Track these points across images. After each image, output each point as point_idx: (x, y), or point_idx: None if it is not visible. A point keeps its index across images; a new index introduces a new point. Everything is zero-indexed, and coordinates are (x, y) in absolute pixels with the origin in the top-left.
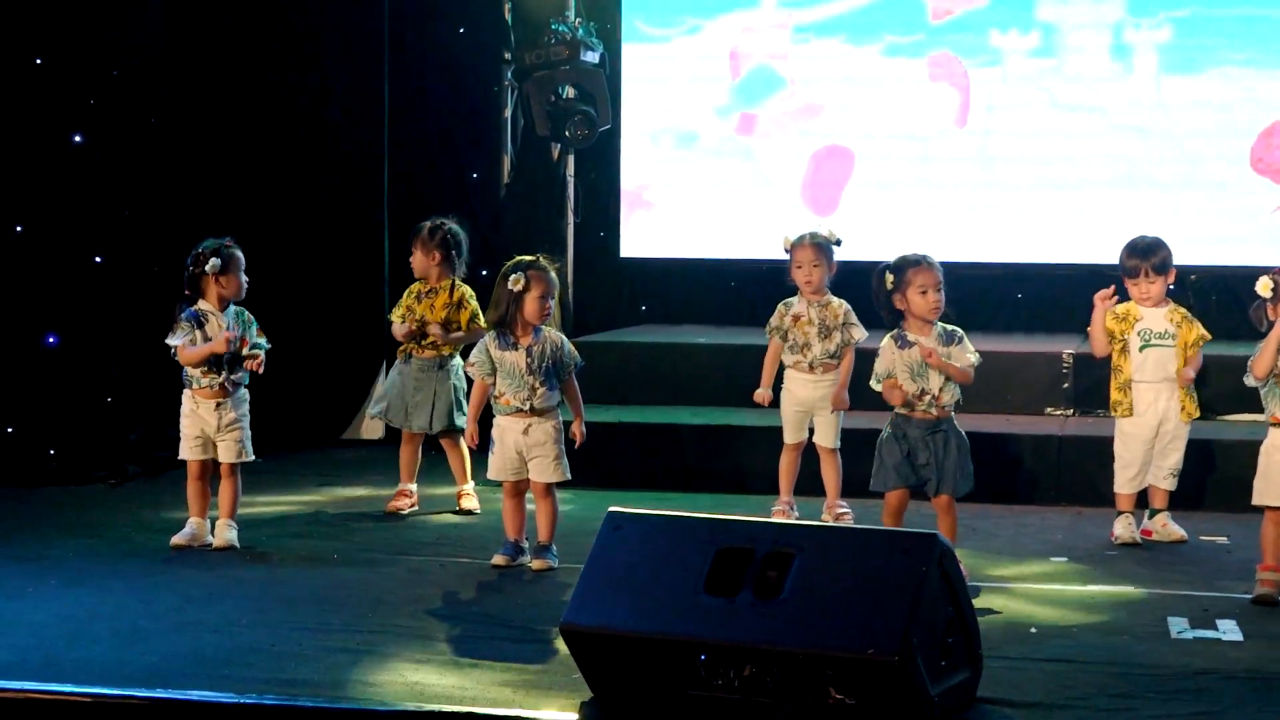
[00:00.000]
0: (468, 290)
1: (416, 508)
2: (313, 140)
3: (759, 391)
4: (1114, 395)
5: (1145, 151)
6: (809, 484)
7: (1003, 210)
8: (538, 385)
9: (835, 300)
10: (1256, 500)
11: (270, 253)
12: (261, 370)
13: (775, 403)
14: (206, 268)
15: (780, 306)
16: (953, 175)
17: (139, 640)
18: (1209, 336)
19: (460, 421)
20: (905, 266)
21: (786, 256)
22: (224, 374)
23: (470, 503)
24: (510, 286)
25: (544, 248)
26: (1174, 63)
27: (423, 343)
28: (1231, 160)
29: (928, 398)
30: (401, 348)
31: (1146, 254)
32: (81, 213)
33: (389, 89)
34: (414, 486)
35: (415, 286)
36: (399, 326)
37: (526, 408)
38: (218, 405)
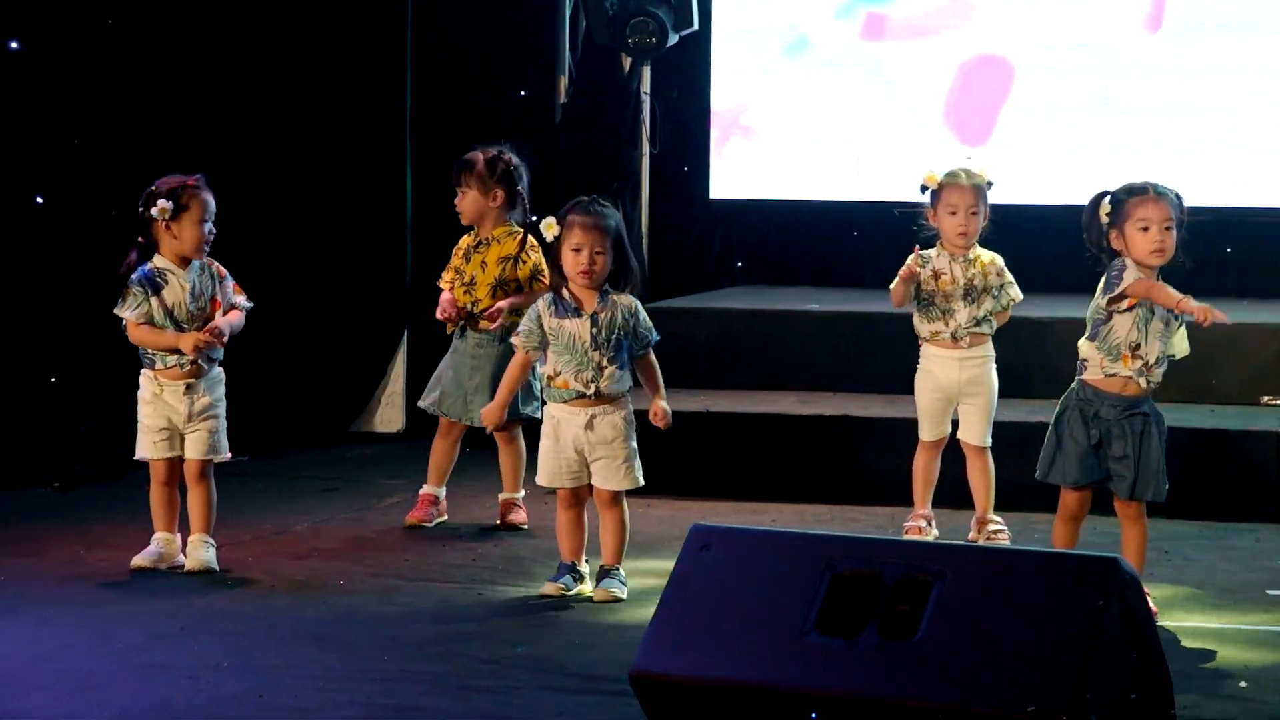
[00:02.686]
0: (530, 240)
1: (445, 519)
2: (310, 50)
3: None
4: None
5: None
6: (952, 493)
7: (1208, 140)
8: (605, 363)
9: (985, 254)
10: None
11: (256, 197)
12: (223, 339)
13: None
14: (154, 211)
15: (913, 258)
16: (1142, 95)
17: (93, 688)
18: None
19: (533, 409)
20: (1126, 197)
21: (926, 199)
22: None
23: (519, 516)
24: (542, 232)
25: (612, 187)
26: None
27: (476, 312)
28: None
29: (1139, 364)
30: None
31: None
32: (17, 141)
33: None
34: (443, 493)
35: (464, 241)
36: (444, 300)
37: (590, 392)
38: (187, 389)
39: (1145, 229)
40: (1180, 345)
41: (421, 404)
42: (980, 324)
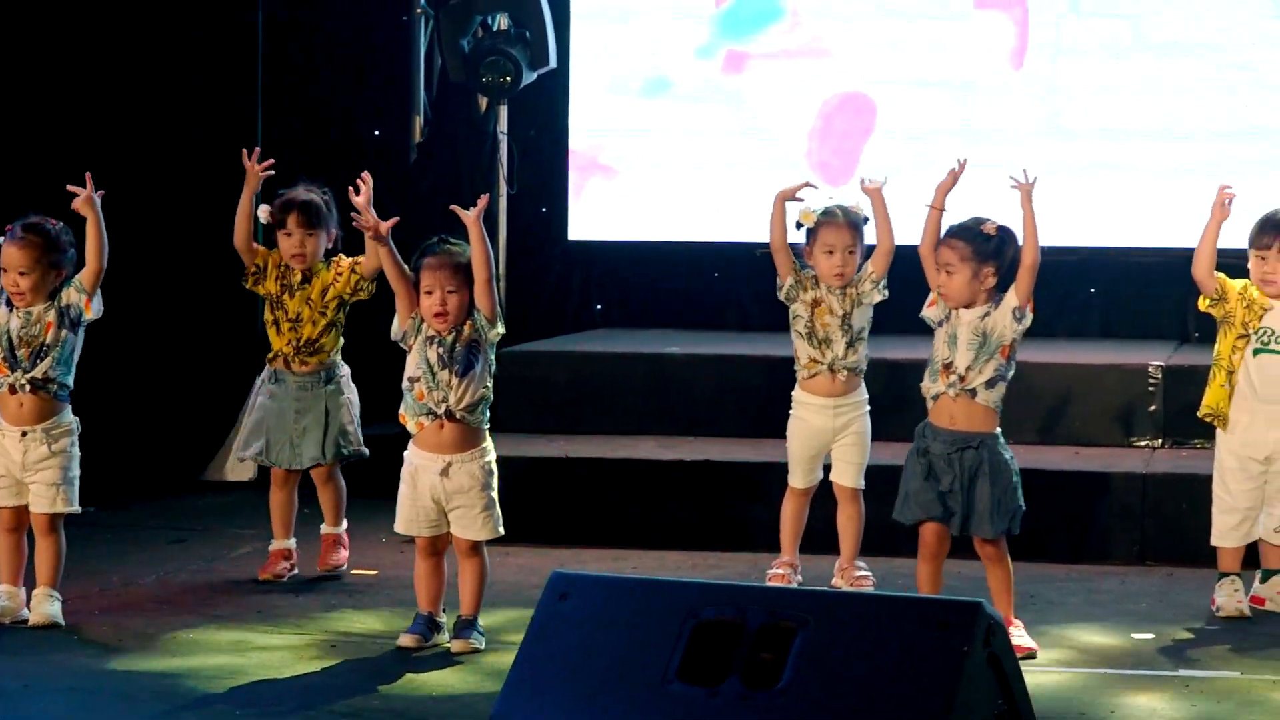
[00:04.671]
0: (337, 257)
1: (297, 571)
2: (159, 89)
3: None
4: (1210, 397)
5: (1255, 101)
6: (818, 537)
7: (1071, 180)
8: (454, 379)
9: (854, 277)
10: None
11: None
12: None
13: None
14: None
15: (804, 274)
16: (1006, 133)
17: None
18: None
19: (360, 446)
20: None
21: (801, 237)
22: (17, 372)
23: (338, 557)
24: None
25: (464, 228)
26: None
27: (300, 352)
28: None
29: (954, 378)
30: (270, 355)
31: None
32: None
33: (262, 20)
34: (293, 544)
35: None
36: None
37: (441, 411)
38: (23, 435)
39: (830, 253)
40: None
41: (242, 455)
42: (856, 353)
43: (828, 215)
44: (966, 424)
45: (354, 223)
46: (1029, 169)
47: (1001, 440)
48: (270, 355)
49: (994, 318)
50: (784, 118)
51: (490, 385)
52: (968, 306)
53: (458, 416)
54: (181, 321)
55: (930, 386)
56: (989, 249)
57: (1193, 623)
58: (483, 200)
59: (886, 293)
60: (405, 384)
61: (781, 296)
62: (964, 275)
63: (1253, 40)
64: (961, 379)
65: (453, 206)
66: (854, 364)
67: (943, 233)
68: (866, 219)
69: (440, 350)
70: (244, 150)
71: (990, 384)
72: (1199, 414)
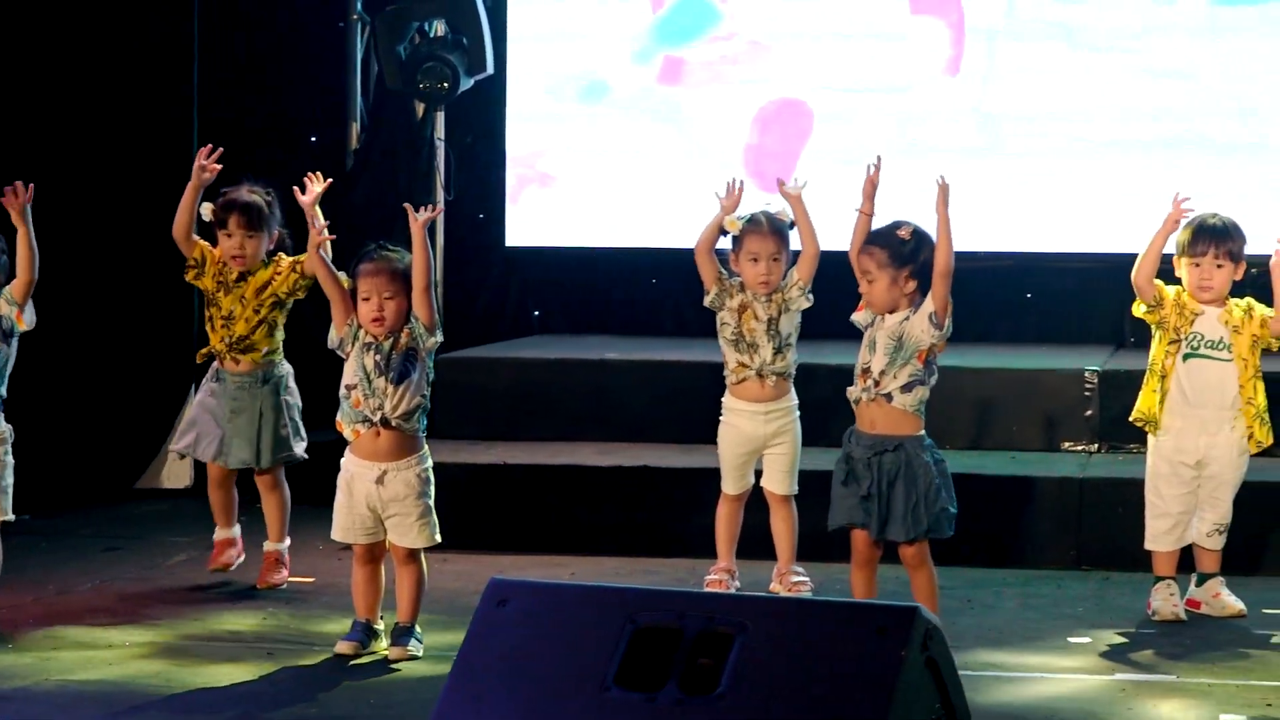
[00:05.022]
0: (277, 256)
1: (244, 559)
2: (91, 92)
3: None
4: (1142, 402)
5: (1193, 105)
6: (756, 544)
7: (1007, 184)
8: (389, 387)
9: (780, 284)
10: None
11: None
12: None
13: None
14: None
15: (729, 282)
16: (941, 139)
17: None
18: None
19: (299, 450)
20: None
21: (729, 244)
22: None
23: (279, 576)
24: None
25: (403, 234)
26: None
27: (235, 351)
28: None
29: (870, 382)
30: (205, 351)
31: (1220, 235)
32: None
33: (198, 25)
34: (238, 531)
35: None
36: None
37: (377, 419)
38: None
39: (755, 260)
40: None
41: (175, 448)
42: (785, 357)
43: (752, 223)
44: (886, 428)
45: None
46: (946, 176)
47: (926, 443)
48: (203, 351)
49: (911, 322)
50: (721, 124)
51: (427, 394)
52: (891, 312)
53: (394, 424)
54: (116, 328)
55: (851, 391)
56: (905, 253)
57: (1129, 626)
58: (436, 209)
59: (812, 299)
60: (342, 391)
61: (708, 304)
62: (883, 282)
63: (1189, 48)
64: (876, 383)
65: (406, 205)
66: (782, 369)
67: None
68: (793, 224)
69: (377, 358)
70: (208, 146)
71: (906, 388)
72: (1131, 419)
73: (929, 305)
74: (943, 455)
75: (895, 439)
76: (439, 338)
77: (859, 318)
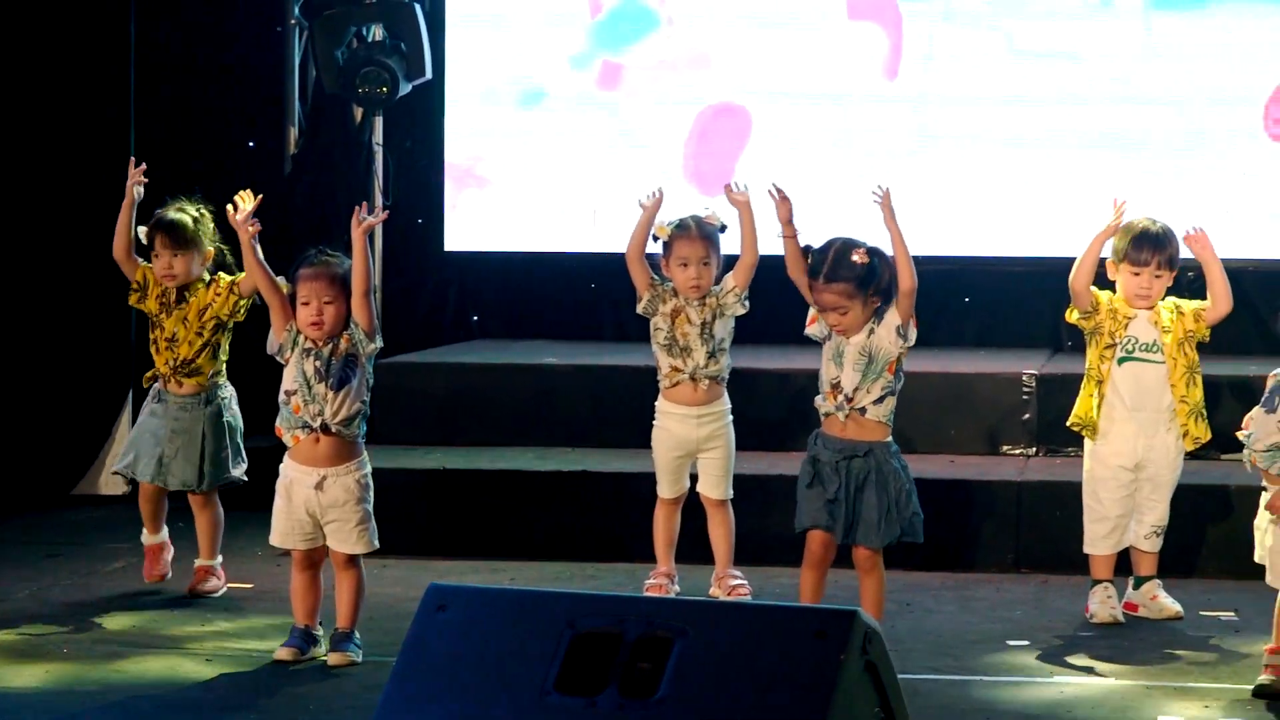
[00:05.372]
0: (218, 276)
1: (171, 554)
2: (25, 94)
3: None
4: (1079, 406)
5: (1127, 111)
6: (695, 548)
7: (944, 189)
8: (329, 392)
9: (714, 289)
10: (1272, 580)
11: None
12: None
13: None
14: None
15: (662, 286)
16: (879, 144)
17: None
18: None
19: (239, 472)
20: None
21: (660, 249)
22: None
23: (211, 584)
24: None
25: (345, 240)
26: None
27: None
28: (1241, 123)
29: (840, 398)
30: (150, 374)
31: (1160, 243)
32: None
33: (135, 30)
34: (166, 535)
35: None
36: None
37: (317, 424)
38: None
39: (684, 265)
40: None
41: (115, 468)
42: (718, 362)
43: (681, 228)
44: (857, 434)
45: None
46: (882, 183)
47: (893, 448)
48: (148, 375)
49: (879, 336)
50: (659, 128)
51: (367, 399)
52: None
53: (334, 430)
54: (52, 335)
55: (821, 405)
56: (866, 277)
57: (1067, 629)
58: (380, 215)
59: (748, 305)
60: (282, 397)
61: (640, 311)
62: (856, 310)
63: (1123, 52)
64: (849, 399)
65: (358, 206)
66: (715, 373)
67: (815, 266)
68: (724, 227)
69: (317, 363)
70: (134, 161)
71: (879, 401)
72: (1069, 424)
73: (894, 318)
74: (906, 461)
75: (865, 444)
76: (378, 343)
77: (814, 330)
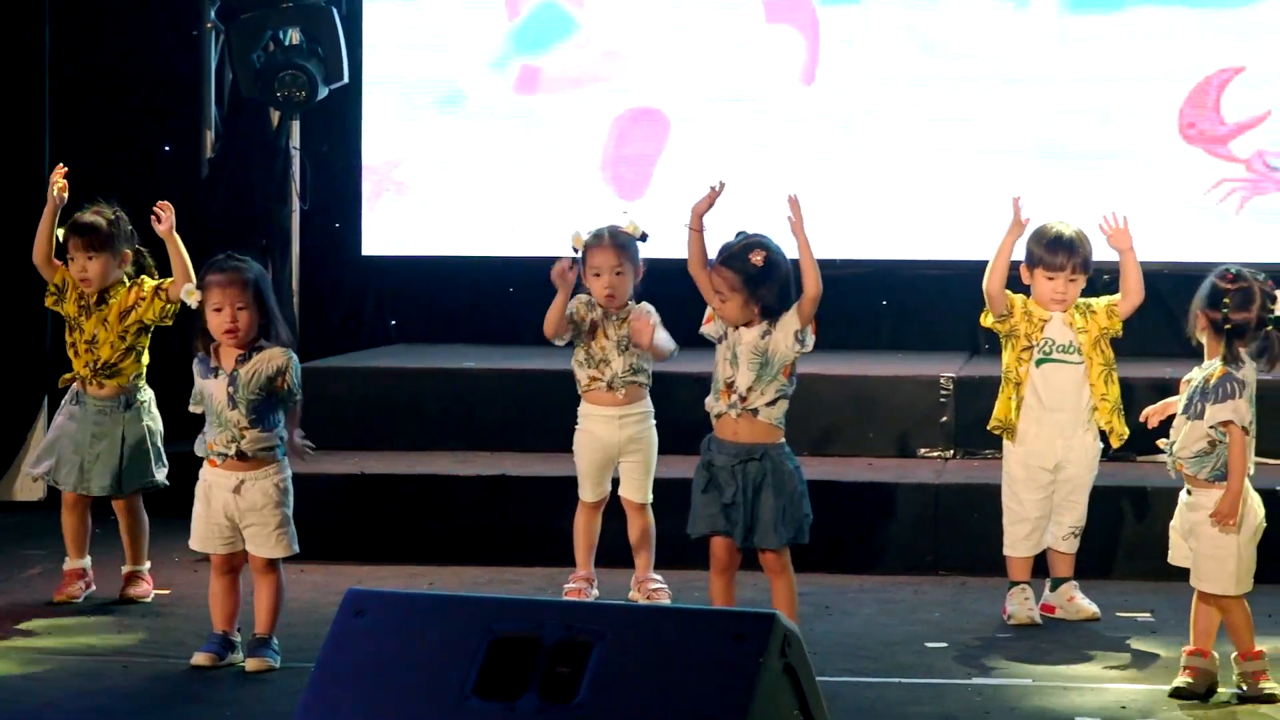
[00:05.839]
0: (140, 279)
1: (94, 589)
2: None
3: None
4: (998, 409)
5: (1044, 115)
6: (614, 552)
7: (862, 192)
8: (246, 425)
9: (640, 308)
10: (1206, 584)
11: None
12: None
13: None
14: None
15: (581, 300)
16: (797, 146)
17: None
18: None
19: (160, 476)
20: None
21: (579, 256)
22: None
23: (140, 589)
24: (186, 301)
25: (261, 244)
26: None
27: (98, 375)
28: (1155, 126)
29: (735, 397)
30: (68, 376)
31: (1074, 248)
32: None
33: (50, 35)
34: (88, 563)
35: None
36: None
37: (231, 453)
38: None
39: (597, 275)
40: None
41: (32, 472)
42: (638, 373)
43: (595, 238)
44: (749, 437)
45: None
46: (792, 192)
47: (786, 450)
48: (66, 376)
49: (775, 339)
50: (577, 133)
51: (283, 423)
52: (747, 325)
53: (250, 455)
54: None
55: (713, 405)
56: (757, 277)
57: (985, 631)
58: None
59: (810, 343)
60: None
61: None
62: (737, 301)
63: (1040, 59)
64: (743, 399)
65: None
66: (634, 378)
67: (724, 248)
68: (644, 236)
69: (230, 389)
70: (60, 166)
71: (772, 403)
72: (989, 427)
73: (793, 322)
74: (799, 462)
75: (760, 447)
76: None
77: (709, 330)
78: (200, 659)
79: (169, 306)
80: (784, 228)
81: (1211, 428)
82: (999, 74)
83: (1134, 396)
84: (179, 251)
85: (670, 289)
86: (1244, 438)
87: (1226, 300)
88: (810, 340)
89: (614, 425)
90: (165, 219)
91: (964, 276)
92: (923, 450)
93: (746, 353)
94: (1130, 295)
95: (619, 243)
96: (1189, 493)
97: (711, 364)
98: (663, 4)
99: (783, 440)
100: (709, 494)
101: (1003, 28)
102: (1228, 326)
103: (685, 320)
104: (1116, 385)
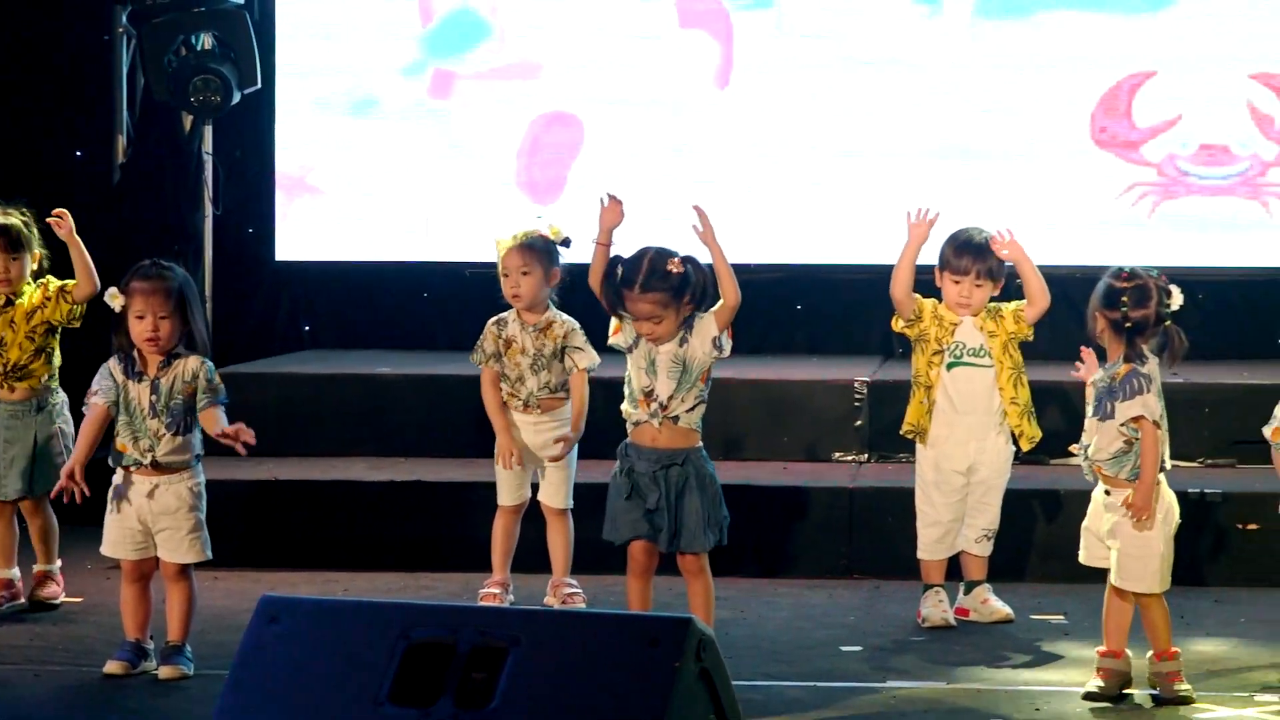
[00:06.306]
0: (45, 279)
1: (22, 601)
2: None
3: (501, 443)
4: (910, 414)
5: (957, 119)
6: (529, 557)
7: (777, 195)
8: (163, 431)
9: (558, 320)
10: (1123, 582)
11: None
12: None
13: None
14: None
15: (491, 325)
16: (711, 151)
17: None
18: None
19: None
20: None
21: (497, 261)
22: None
23: (50, 590)
24: (109, 304)
25: (174, 249)
26: (993, 4)
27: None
28: (1068, 130)
29: (655, 406)
30: None
31: (982, 254)
32: None
33: None
34: (16, 574)
35: None
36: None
37: (146, 461)
38: None
39: (505, 275)
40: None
41: None
42: (555, 391)
43: (511, 239)
44: (669, 442)
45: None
46: (697, 204)
47: (704, 453)
48: None
49: (692, 346)
50: (492, 137)
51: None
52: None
53: (163, 465)
54: None
55: (632, 412)
56: (681, 285)
57: (899, 634)
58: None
59: (726, 349)
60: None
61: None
62: (670, 318)
63: (952, 61)
64: (664, 407)
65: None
66: (551, 396)
67: (628, 276)
68: (566, 241)
69: (152, 397)
70: None
71: (692, 409)
72: (901, 431)
73: (711, 328)
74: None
75: (681, 451)
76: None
77: (618, 340)
78: (113, 667)
79: (75, 309)
80: (693, 235)
81: (1123, 425)
82: (912, 78)
83: (1046, 400)
84: (81, 254)
85: (588, 293)
86: (1155, 431)
87: (1124, 299)
88: (728, 346)
89: (530, 430)
90: (65, 224)
91: (878, 280)
92: (837, 454)
93: (666, 362)
94: (1035, 302)
95: (526, 244)
96: (1107, 492)
97: (618, 370)
98: (577, 8)
99: (700, 443)
100: (632, 500)
101: (916, 32)
102: (1128, 325)
103: (602, 323)
104: (1026, 389)
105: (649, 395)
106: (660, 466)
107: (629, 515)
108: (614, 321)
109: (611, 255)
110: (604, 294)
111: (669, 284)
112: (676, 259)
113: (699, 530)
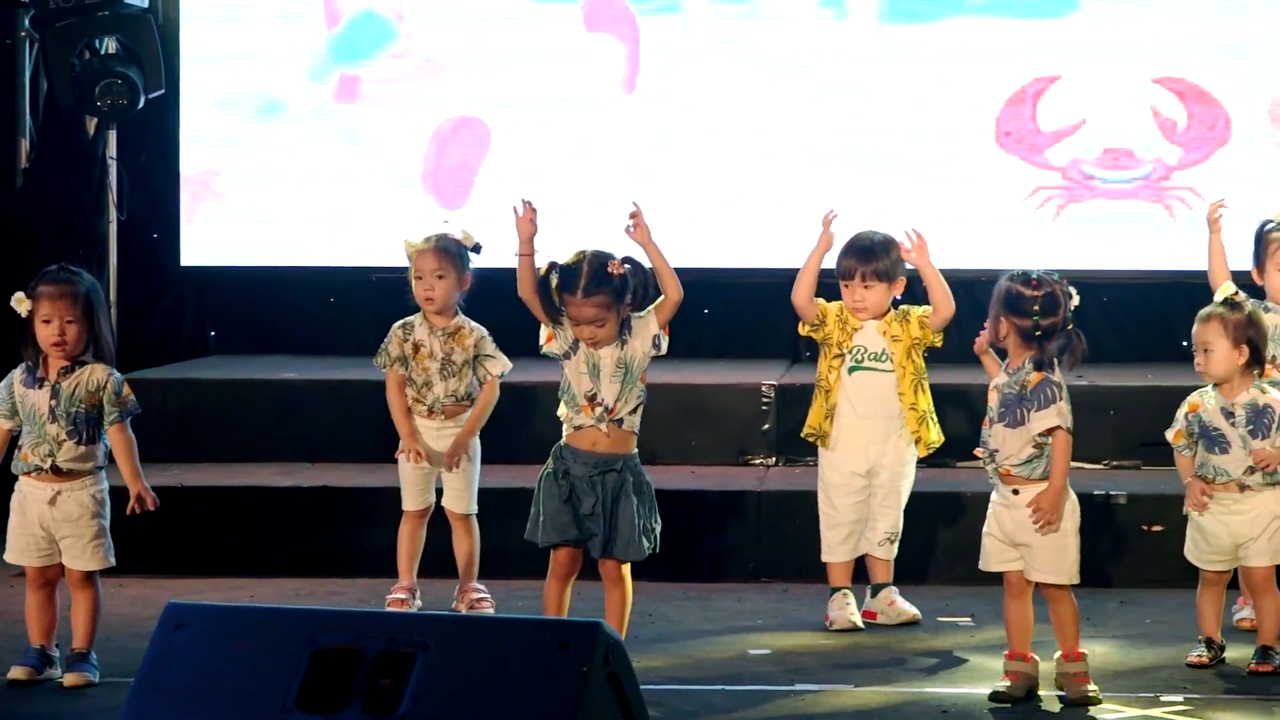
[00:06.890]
0: None
1: None
2: None
3: (405, 443)
4: (811, 417)
5: (863, 123)
6: (439, 562)
7: (684, 200)
8: (64, 438)
9: (467, 326)
10: (1035, 576)
11: None
12: None
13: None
14: None
15: (396, 329)
16: (618, 155)
17: None
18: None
19: None
20: None
21: (409, 264)
22: None
23: None
24: (15, 308)
25: (79, 255)
26: (899, 8)
27: None
28: (973, 134)
29: (600, 410)
30: None
31: (866, 256)
32: None
33: None
34: None
35: None
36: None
37: (47, 467)
38: None
39: (419, 278)
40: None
41: None
42: (461, 400)
43: (423, 241)
44: (609, 447)
45: None
46: (636, 203)
47: (639, 460)
48: None
49: (632, 346)
50: (398, 141)
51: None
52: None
53: (65, 470)
54: None
55: (574, 417)
56: (622, 286)
57: (807, 637)
58: None
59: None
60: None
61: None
62: (613, 321)
63: (857, 64)
64: (609, 411)
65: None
66: (457, 404)
67: (568, 281)
68: (477, 247)
69: (52, 401)
70: None
71: (634, 410)
72: (802, 434)
73: (651, 326)
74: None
75: (618, 458)
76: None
77: (553, 348)
78: (17, 673)
79: None
80: (607, 233)
81: (1039, 434)
82: (818, 83)
83: (950, 403)
84: None
85: (500, 297)
86: (1068, 439)
87: (1036, 308)
88: (665, 344)
89: (435, 437)
90: None
91: (785, 284)
92: (745, 457)
93: (609, 366)
94: (938, 310)
95: (440, 246)
96: (1015, 492)
97: (526, 374)
98: (483, 13)
99: (636, 450)
100: (567, 504)
101: (822, 37)
102: (1038, 333)
103: (512, 329)
104: (927, 395)
105: (593, 400)
106: (598, 471)
107: (560, 519)
108: (544, 330)
109: (549, 262)
110: (540, 303)
111: (611, 286)
112: (616, 260)
113: (633, 538)
